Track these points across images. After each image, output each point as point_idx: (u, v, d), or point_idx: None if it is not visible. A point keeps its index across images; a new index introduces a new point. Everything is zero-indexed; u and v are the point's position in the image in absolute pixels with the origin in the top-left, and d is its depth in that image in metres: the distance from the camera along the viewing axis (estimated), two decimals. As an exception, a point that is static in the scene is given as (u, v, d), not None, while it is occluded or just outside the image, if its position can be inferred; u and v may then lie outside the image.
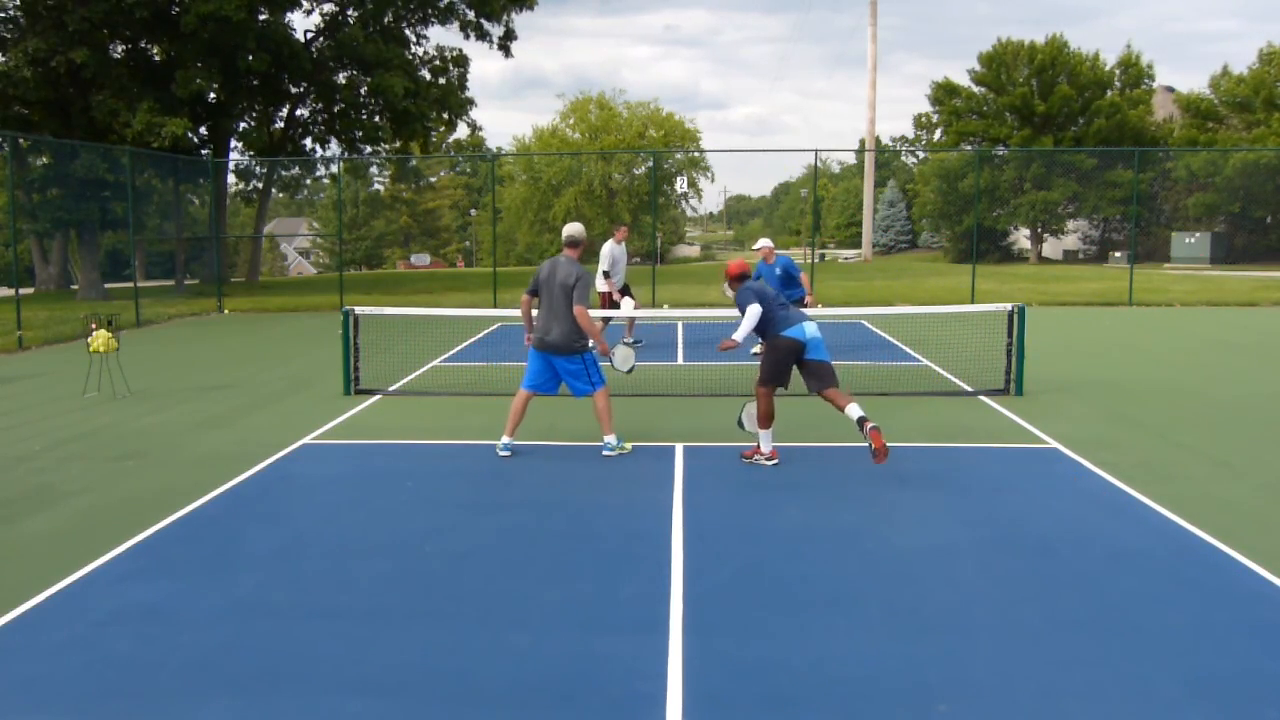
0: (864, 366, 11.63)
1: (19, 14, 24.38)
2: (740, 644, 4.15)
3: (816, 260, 35.28)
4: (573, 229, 7.63)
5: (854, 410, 6.55)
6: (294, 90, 30.14)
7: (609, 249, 13.01)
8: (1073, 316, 18.44)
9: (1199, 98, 45.69)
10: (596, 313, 8.37)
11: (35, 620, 4.48)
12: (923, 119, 55.56)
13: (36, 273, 32.01)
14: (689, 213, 62.44)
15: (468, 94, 32.23)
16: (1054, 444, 7.73)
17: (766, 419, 6.99)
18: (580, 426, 8.32)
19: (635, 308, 13.60)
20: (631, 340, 14.01)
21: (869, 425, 6.39)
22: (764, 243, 12.39)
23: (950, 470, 7.02)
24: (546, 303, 7.37)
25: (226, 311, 21.34)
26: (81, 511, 6.17)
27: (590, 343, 7.39)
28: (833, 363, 6.93)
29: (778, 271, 12.04)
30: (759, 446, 7.10)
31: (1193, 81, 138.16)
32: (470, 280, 31.61)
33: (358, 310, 10.54)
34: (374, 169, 36.45)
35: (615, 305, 13.05)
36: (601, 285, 12.74)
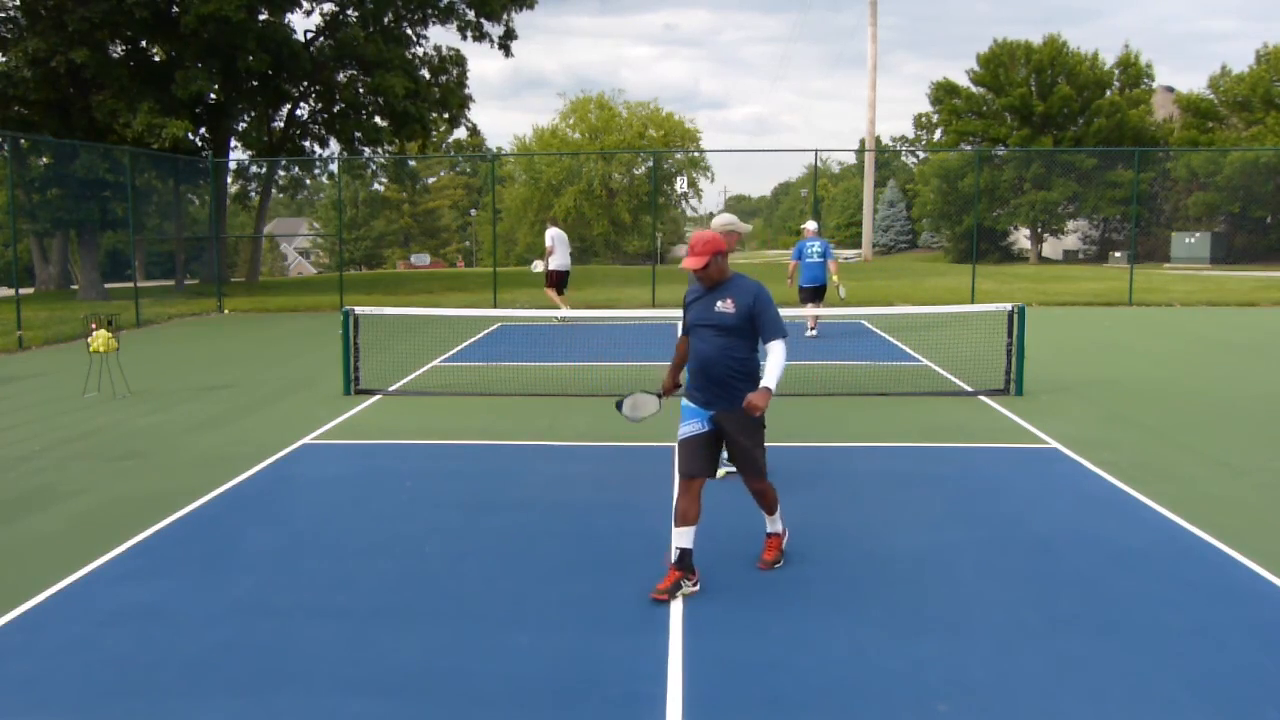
0: (864, 366, 11.62)
1: (19, 14, 24.38)
2: (740, 644, 4.15)
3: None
4: (731, 220, 5.45)
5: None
6: (294, 90, 30.13)
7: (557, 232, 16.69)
8: (1073, 316, 18.43)
9: (1199, 98, 45.70)
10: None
11: (35, 620, 4.48)
12: (923, 119, 55.66)
13: (36, 273, 32.00)
14: (689, 213, 62.45)
15: (467, 92, 32.25)
16: (1054, 444, 7.72)
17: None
18: (580, 426, 8.32)
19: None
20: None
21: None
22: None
23: (950, 470, 7.02)
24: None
25: (226, 311, 21.33)
26: (81, 511, 6.17)
27: None
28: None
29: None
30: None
31: (1193, 81, 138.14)
32: (470, 280, 31.56)
33: (358, 310, 10.54)
34: (371, 170, 36.43)
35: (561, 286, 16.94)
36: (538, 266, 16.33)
